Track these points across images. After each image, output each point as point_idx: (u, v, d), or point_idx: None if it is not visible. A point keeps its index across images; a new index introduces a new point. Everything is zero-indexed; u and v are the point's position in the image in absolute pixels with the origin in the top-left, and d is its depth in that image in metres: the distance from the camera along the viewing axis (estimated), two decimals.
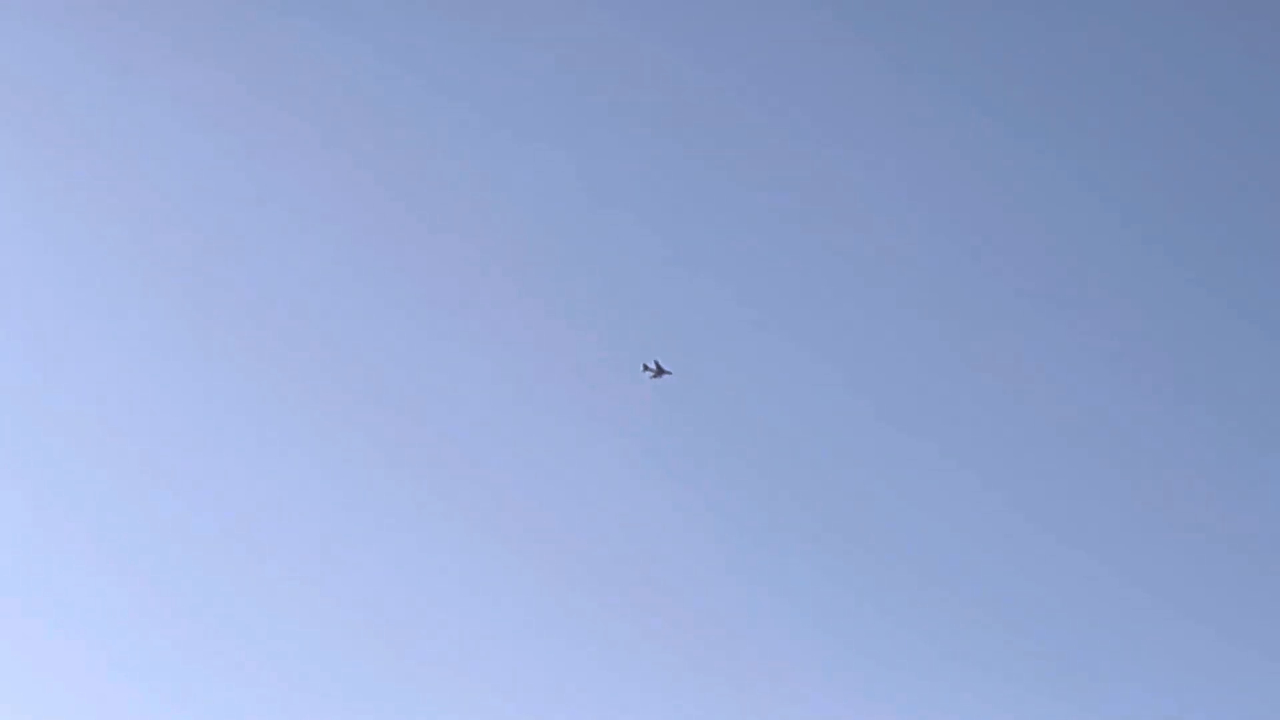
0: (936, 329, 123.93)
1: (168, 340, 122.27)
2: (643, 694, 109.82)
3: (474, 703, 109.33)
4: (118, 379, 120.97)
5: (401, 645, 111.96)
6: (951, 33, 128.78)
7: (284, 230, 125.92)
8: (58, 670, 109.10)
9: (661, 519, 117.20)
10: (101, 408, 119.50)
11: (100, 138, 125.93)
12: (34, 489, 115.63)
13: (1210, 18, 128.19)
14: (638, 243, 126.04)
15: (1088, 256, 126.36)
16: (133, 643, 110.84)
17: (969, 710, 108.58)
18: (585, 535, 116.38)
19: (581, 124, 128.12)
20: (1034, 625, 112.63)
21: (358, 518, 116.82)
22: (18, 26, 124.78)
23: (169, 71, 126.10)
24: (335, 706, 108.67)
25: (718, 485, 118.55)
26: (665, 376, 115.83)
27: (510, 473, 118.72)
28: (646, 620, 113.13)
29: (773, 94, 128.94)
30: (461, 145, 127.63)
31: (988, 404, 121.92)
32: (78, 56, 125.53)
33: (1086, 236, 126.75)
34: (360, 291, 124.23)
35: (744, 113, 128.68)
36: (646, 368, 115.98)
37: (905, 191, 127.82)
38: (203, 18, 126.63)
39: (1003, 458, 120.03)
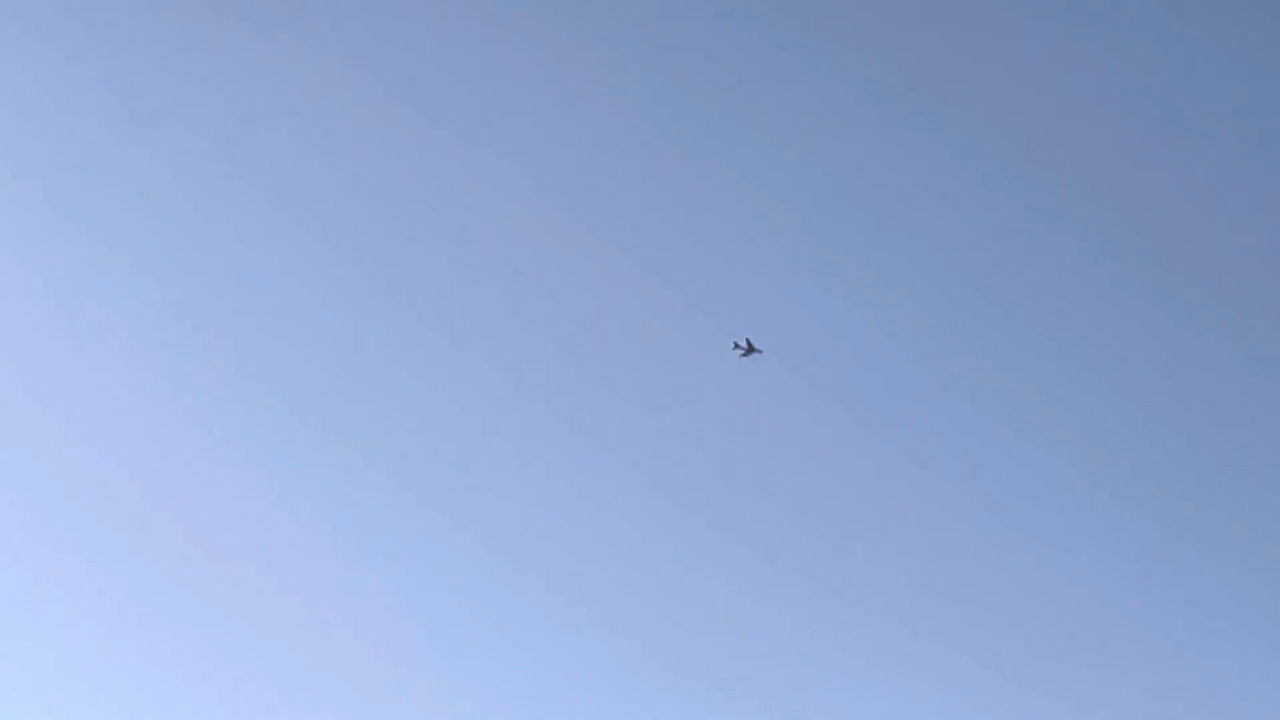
0: (934, 331, 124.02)
1: (160, 342, 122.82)
2: (646, 697, 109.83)
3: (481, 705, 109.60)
4: (112, 380, 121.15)
5: (401, 651, 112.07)
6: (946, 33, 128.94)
7: (298, 229, 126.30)
8: (48, 674, 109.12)
9: (660, 524, 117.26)
10: (93, 409, 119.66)
11: (90, 138, 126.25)
12: (27, 492, 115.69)
13: (1210, 19, 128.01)
14: (634, 240, 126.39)
15: (1094, 257, 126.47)
16: (125, 648, 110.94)
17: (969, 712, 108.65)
18: (582, 540, 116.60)
19: (575, 126, 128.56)
20: (1033, 630, 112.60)
21: (356, 527, 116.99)
22: (13, 26, 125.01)
23: (159, 72, 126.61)
24: (333, 709, 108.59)
25: (717, 489, 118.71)
26: (755, 355, 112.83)
27: (505, 480, 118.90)
28: (649, 623, 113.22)
29: (777, 94, 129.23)
30: (464, 140, 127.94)
31: (985, 405, 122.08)
32: (69, 55, 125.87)
33: (1093, 238, 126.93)
34: (352, 295, 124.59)
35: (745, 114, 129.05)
36: (736, 345, 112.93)
37: (910, 192, 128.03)
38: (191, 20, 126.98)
39: (1001, 459, 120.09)
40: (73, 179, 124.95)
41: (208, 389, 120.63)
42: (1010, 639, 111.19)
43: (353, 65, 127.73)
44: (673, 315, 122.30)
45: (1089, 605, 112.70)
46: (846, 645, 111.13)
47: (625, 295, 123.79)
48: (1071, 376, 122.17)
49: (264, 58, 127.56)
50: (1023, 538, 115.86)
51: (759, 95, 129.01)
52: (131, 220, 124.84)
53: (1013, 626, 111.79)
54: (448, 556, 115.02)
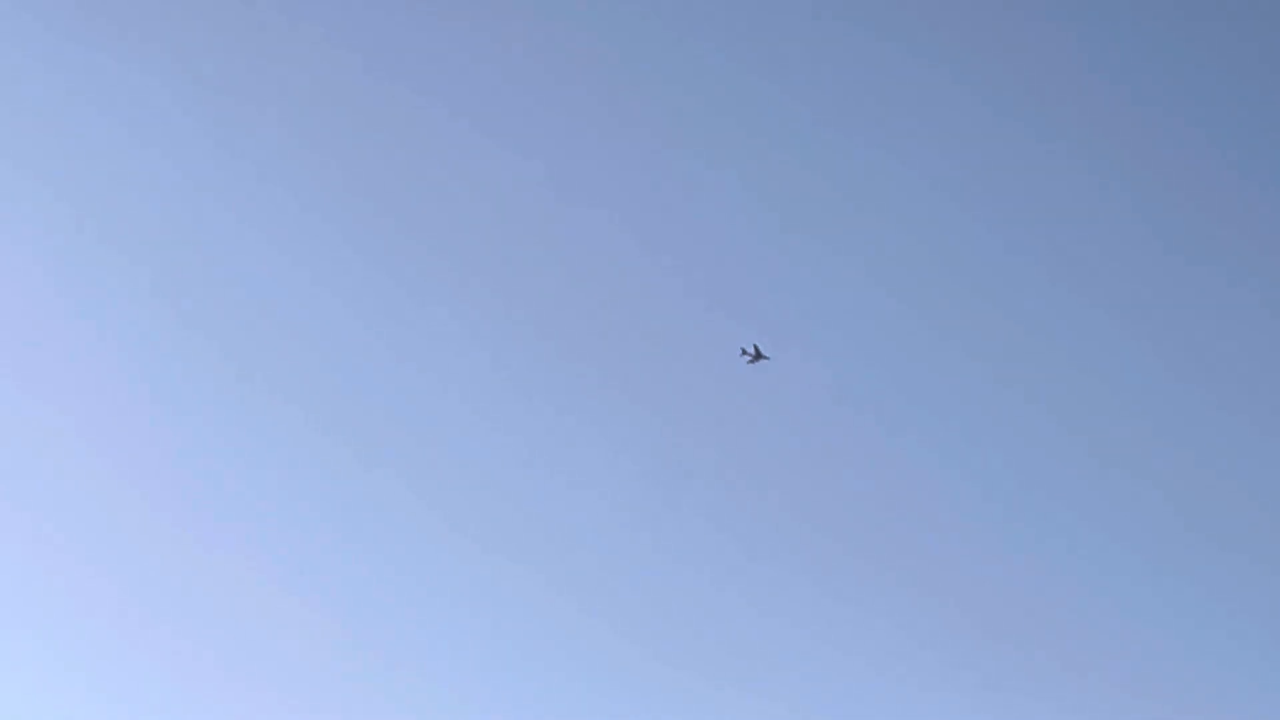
0: (935, 337, 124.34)
1: (157, 341, 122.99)
2: (648, 696, 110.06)
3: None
4: (109, 381, 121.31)
5: (400, 650, 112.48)
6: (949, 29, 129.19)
7: (298, 231, 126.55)
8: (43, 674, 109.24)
9: (662, 525, 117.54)
10: (89, 410, 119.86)
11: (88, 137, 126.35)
12: (24, 493, 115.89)
13: (1211, 18, 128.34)
14: (634, 239, 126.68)
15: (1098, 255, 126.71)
16: (124, 649, 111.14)
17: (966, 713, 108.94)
18: (579, 540, 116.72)
19: (578, 122, 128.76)
20: (1034, 630, 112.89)
21: (352, 529, 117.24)
22: (14, 26, 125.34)
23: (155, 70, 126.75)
24: (330, 710, 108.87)
25: (721, 491, 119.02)
26: (763, 361, 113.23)
27: (507, 481, 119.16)
28: (651, 624, 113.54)
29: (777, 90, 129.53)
30: (461, 142, 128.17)
31: (987, 409, 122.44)
32: (69, 55, 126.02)
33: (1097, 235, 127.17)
34: (347, 295, 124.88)
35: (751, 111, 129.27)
36: (744, 352, 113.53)
37: (913, 188, 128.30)
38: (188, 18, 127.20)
39: (1000, 459, 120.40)
40: (70, 176, 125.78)
41: (205, 387, 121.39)
42: (1009, 639, 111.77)
43: (352, 64, 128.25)
44: (679, 320, 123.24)
45: (1089, 605, 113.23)
46: (847, 645, 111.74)
47: (633, 299, 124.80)
48: (1072, 380, 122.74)
49: (263, 55, 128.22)
50: (1023, 540, 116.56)
51: (767, 99, 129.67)
52: (130, 218, 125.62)
53: (1013, 626, 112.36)
54: (449, 557, 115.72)
